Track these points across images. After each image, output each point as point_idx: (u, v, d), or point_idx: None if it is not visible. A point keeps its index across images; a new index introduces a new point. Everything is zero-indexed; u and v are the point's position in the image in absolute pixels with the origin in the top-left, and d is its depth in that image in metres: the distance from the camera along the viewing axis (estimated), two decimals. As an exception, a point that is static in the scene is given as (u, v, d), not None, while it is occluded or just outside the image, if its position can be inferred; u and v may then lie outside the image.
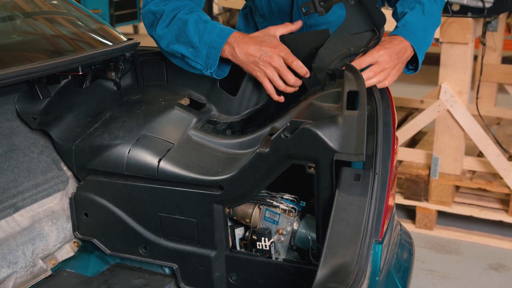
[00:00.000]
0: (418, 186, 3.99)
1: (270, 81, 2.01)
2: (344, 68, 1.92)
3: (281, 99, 2.06)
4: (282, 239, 2.03)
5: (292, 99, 2.04)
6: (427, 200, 4.00)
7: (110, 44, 2.22)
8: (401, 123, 4.76)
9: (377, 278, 1.71)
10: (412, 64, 2.13)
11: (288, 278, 1.99)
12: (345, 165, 1.82)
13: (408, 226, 4.04)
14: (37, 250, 2.16)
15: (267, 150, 1.88)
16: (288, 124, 1.84)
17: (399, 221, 3.88)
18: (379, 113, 1.86)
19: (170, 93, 2.24)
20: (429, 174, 3.96)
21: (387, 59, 1.95)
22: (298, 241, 2.02)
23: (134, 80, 2.34)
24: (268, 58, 1.97)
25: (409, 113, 5.04)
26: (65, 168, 2.28)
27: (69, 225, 2.27)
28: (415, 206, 4.03)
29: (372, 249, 1.74)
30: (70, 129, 2.24)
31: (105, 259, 2.29)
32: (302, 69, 1.99)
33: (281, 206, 2.03)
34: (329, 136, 1.76)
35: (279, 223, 2.03)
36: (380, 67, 1.95)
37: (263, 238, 2.01)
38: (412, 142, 4.50)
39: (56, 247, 2.24)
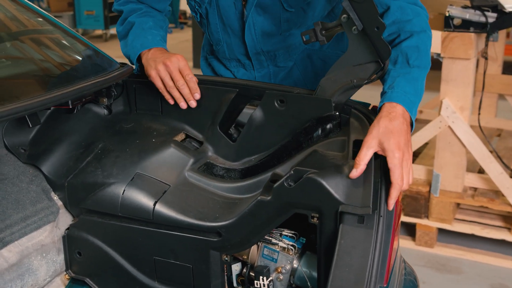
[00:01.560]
0: (418, 203, 3.92)
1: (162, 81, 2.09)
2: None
3: (183, 105, 2.11)
4: (281, 277, 1.95)
5: (295, 144, 1.96)
6: (427, 217, 3.93)
7: (103, 73, 2.13)
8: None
9: (381, 327, 1.63)
10: None
11: None
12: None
13: (408, 243, 3.97)
14: (26, 286, 2.07)
15: (268, 198, 1.80)
16: (292, 172, 1.76)
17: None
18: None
19: (165, 126, 2.15)
20: (429, 191, 3.88)
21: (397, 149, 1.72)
22: (298, 279, 1.95)
23: (126, 105, 2.26)
24: (165, 59, 2.07)
25: (409, 124, 4.95)
26: (55, 198, 2.19)
27: (59, 258, 2.18)
28: (415, 223, 3.95)
29: (376, 296, 1.66)
30: (62, 163, 2.15)
31: (97, 294, 2.21)
32: (193, 84, 2.07)
33: (280, 243, 1.95)
34: (335, 187, 1.68)
35: (278, 261, 1.95)
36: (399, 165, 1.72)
37: (261, 277, 1.93)
38: (413, 154, 4.42)
39: (46, 281, 2.15)
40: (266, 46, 2.34)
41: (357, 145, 1.73)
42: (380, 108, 1.82)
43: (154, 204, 1.95)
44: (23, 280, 2.06)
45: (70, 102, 1.97)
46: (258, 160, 2.03)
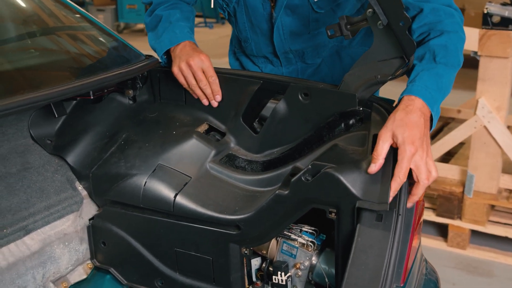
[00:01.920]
0: (451, 204, 3.85)
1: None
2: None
3: (205, 102, 2.14)
4: (300, 273, 1.94)
5: (317, 138, 1.94)
6: (460, 218, 3.86)
7: (126, 64, 2.14)
8: (437, 133, 4.61)
9: (396, 327, 1.60)
10: None
11: None
12: None
13: (439, 244, 3.90)
14: (48, 273, 2.10)
15: (286, 192, 1.79)
16: (310, 166, 1.74)
17: (428, 238, 3.78)
18: None
19: (188, 116, 2.16)
20: (463, 192, 3.81)
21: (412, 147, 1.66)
22: (317, 276, 1.93)
23: (150, 94, 2.27)
24: (189, 57, 2.08)
25: (445, 123, 4.88)
26: (80, 188, 2.22)
27: (82, 247, 2.21)
28: (447, 224, 3.89)
29: (392, 296, 1.63)
30: (86, 153, 2.18)
31: (118, 283, 2.22)
32: (215, 87, 2.09)
33: (299, 239, 1.94)
34: (352, 182, 1.66)
35: (297, 257, 1.93)
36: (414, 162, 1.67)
37: (279, 272, 1.92)
38: (448, 153, 4.34)
39: (68, 270, 2.18)
40: (294, 45, 2.33)
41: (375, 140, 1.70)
42: (399, 101, 1.78)
43: (175, 196, 1.96)
44: (45, 268, 2.09)
45: (91, 92, 1.99)
46: (280, 153, 2.02)
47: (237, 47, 2.59)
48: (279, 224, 1.86)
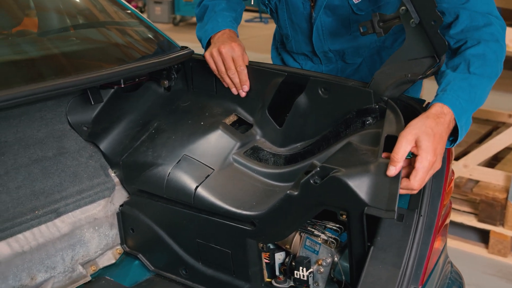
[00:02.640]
0: (494, 210, 3.76)
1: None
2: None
3: (234, 91, 2.15)
4: (322, 270, 1.93)
5: (334, 134, 1.94)
6: (502, 225, 3.76)
7: (160, 55, 2.17)
8: (485, 137, 4.51)
9: (410, 329, 1.59)
10: (452, 134, 1.77)
11: None
12: None
13: (480, 250, 3.82)
14: (77, 256, 2.16)
15: (296, 193, 1.79)
16: (318, 169, 1.73)
17: (469, 243, 3.71)
18: None
19: (218, 107, 2.18)
20: (506, 198, 3.72)
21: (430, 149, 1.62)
22: (338, 274, 1.92)
23: (184, 84, 2.30)
24: (221, 44, 2.10)
25: (495, 127, 4.77)
26: (112, 174, 2.27)
27: (111, 232, 2.26)
28: (489, 230, 3.80)
29: (409, 297, 1.61)
30: (119, 141, 2.23)
31: (145, 269, 2.27)
32: (243, 76, 2.11)
33: (322, 236, 1.94)
34: (360, 187, 1.63)
35: (319, 253, 1.93)
36: (427, 164, 1.61)
37: (301, 268, 1.92)
38: (495, 158, 4.25)
39: (97, 254, 2.24)
40: (334, 45, 2.32)
41: (390, 141, 1.66)
42: (429, 107, 1.74)
43: (195, 189, 1.98)
44: (74, 250, 2.15)
45: (122, 80, 2.04)
46: (302, 148, 2.02)
47: (279, 42, 2.60)
48: (292, 223, 1.86)
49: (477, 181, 3.91)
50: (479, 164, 3.90)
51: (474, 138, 4.50)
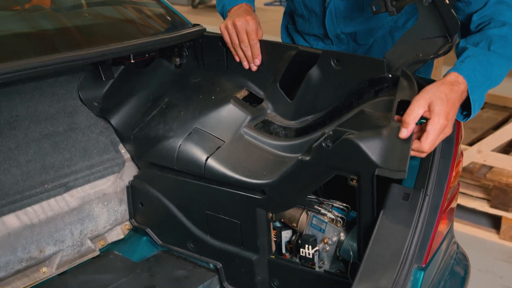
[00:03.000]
0: (506, 196, 3.74)
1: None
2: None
3: (245, 65, 2.15)
4: (327, 248, 1.94)
5: (346, 104, 1.93)
6: (515, 211, 3.75)
7: (170, 32, 2.18)
8: (502, 124, 4.48)
9: (413, 308, 1.59)
10: (466, 108, 1.78)
11: None
12: (396, 181, 1.70)
13: (491, 236, 3.80)
14: (86, 230, 2.18)
15: (308, 158, 1.79)
16: (331, 132, 1.73)
17: (480, 229, 3.69)
18: None
19: (229, 82, 2.18)
20: (520, 184, 3.70)
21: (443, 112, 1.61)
22: (344, 252, 1.93)
23: (195, 61, 2.30)
24: (236, 17, 2.11)
25: (512, 114, 4.73)
26: (123, 151, 2.28)
27: (121, 208, 2.28)
28: (501, 216, 3.78)
29: (412, 275, 1.61)
30: (130, 116, 2.24)
31: (153, 245, 2.29)
32: (255, 50, 2.11)
33: (329, 214, 1.94)
34: (371, 149, 1.63)
35: (325, 231, 1.94)
36: (438, 127, 1.61)
37: (307, 246, 1.93)
38: (509, 145, 4.21)
39: (106, 229, 2.26)
40: (346, 28, 2.31)
41: (402, 106, 1.65)
42: (445, 75, 1.72)
43: (206, 160, 1.99)
44: (83, 225, 2.17)
45: (131, 56, 2.05)
46: (313, 120, 2.02)
47: (290, 22, 2.59)
48: (302, 190, 1.87)
49: (490, 167, 3.88)
50: (493, 150, 3.87)
51: (491, 125, 4.46)
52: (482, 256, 3.56)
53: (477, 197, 3.91)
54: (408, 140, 1.58)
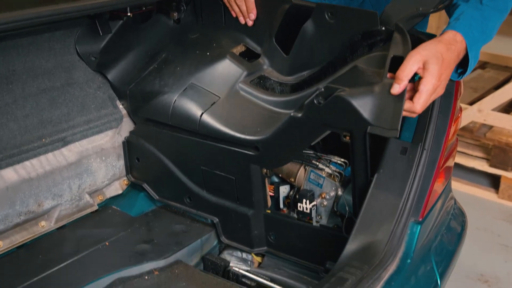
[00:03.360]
0: (506, 155, 3.74)
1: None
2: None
3: (241, 20, 2.12)
4: (325, 203, 1.95)
5: (341, 60, 1.91)
6: (514, 171, 3.75)
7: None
8: (503, 84, 4.45)
9: (409, 260, 1.60)
10: (461, 66, 1.74)
11: (324, 244, 1.92)
12: None
13: (490, 195, 3.82)
14: (84, 185, 2.19)
15: (299, 115, 1.78)
16: (322, 89, 1.72)
17: (479, 188, 3.70)
18: None
19: (226, 37, 2.16)
20: (520, 144, 3.70)
21: (436, 72, 1.58)
22: (341, 207, 1.93)
23: (193, 16, 2.27)
24: None
25: (514, 74, 4.70)
26: (120, 106, 2.28)
27: (119, 163, 2.28)
28: (500, 175, 3.79)
29: (409, 229, 1.62)
30: (127, 71, 2.23)
31: (151, 201, 2.30)
32: (250, 4, 2.07)
33: (326, 169, 1.94)
34: (363, 106, 1.62)
35: (323, 186, 1.94)
36: (430, 86, 1.58)
37: (304, 200, 1.94)
38: (510, 105, 4.20)
39: (104, 184, 2.26)
40: None
41: (395, 62, 1.62)
42: (442, 33, 1.69)
43: (201, 115, 1.99)
44: (81, 179, 2.17)
45: (128, 8, 2.02)
46: (309, 76, 2.00)
47: None
48: (295, 147, 1.86)
49: (490, 127, 3.88)
50: (494, 110, 3.86)
51: (492, 84, 4.44)
52: (481, 215, 3.58)
53: (476, 156, 3.91)
54: (401, 97, 1.55)
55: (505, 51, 4.64)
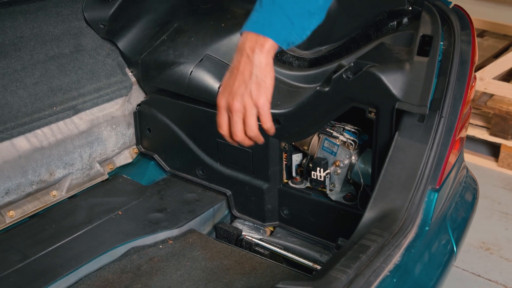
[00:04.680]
0: (506, 124, 3.75)
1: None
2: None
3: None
4: (339, 171, 1.94)
5: (364, 36, 1.89)
6: (514, 139, 3.77)
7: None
8: (502, 53, 4.45)
9: (427, 228, 1.60)
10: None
11: (337, 220, 1.92)
12: None
13: (490, 164, 3.84)
14: (95, 154, 2.17)
15: (327, 89, 1.77)
16: (352, 64, 1.71)
17: (479, 157, 3.73)
18: (456, 49, 1.70)
19: (240, 9, 2.13)
20: (520, 112, 3.71)
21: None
22: (355, 175, 1.93)
23: None
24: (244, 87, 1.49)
25: (512, 43, 4.69)
26: (130, 74, 2.25)
27: (129, 132, 2.26)
28: (500, 144, 3.81)
29: (426, 197, 1.62)
30: (138, 40, 2.20)
31: (162, 169, 2.29)
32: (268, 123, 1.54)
33: (341, 137, 1.93)
34: (393, 82, 1.62)
35: (337, 154, 1.94)
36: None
37: (318, 169, 1.94)
38: (510, 74, 4.19)
39: (114, 153, 2.25)
40: None
41: (425, 40, 1.63)
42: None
43: (219, 88, 1.97)
44: (92, 148, 2.15)
45: None
46: (328, 51, 1.99)
47: None
48: (318, 121, 1.85)
49: (491, 95, 3.88)
50: (495, 78, 3.86)
51: (491, 53, 4.43)
52: (481, 183, 3.56)
53: (476, 125, 3.92)
54: (431, 74, 1.57)
55: (504, 19, 4.62)
